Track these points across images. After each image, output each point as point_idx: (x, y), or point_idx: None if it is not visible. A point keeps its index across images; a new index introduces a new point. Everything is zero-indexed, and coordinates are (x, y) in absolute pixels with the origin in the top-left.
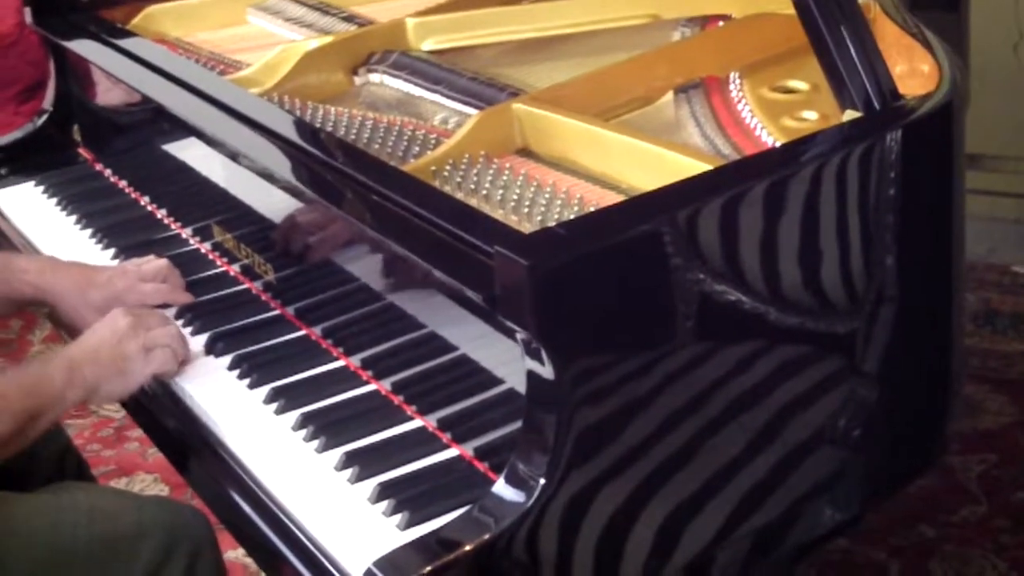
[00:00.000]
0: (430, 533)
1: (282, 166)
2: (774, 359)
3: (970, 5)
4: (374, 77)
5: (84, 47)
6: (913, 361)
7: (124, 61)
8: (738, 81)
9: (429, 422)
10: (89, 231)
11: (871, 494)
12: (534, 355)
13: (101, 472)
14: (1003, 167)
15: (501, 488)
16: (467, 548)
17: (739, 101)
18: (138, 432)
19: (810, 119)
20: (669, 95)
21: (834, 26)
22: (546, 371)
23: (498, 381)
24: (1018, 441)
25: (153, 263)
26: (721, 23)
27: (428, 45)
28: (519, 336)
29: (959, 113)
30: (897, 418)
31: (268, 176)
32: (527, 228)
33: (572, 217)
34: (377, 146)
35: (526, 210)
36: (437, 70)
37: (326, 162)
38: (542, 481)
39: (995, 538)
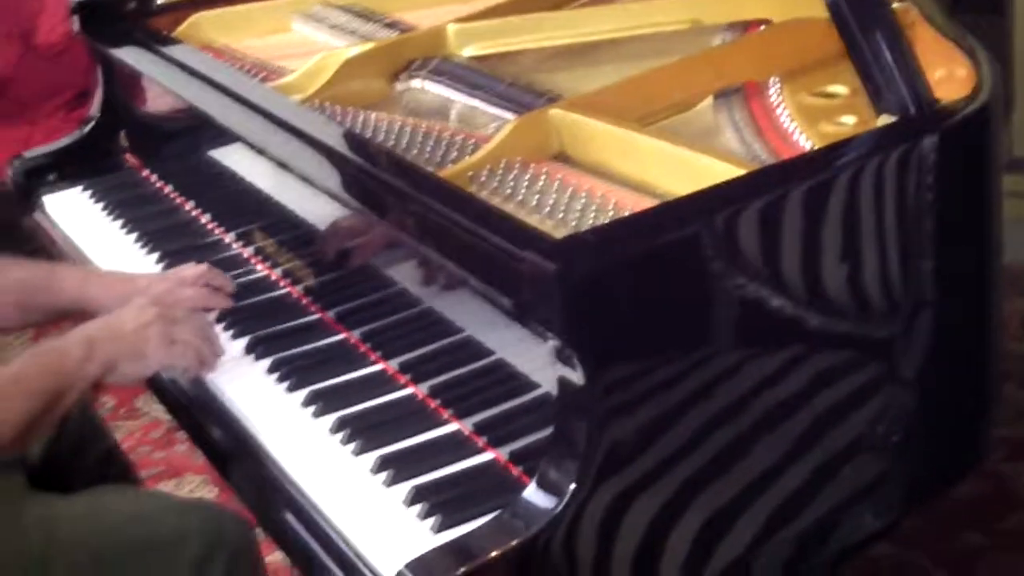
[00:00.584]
0: (462, 537)
1: (320, 172)
2: (809, 366)
3: (1015, 9)
4: (415, 83)
5: (130, 55)
6: (951, 367)
7: (169, 68)
8: (778, 86)
9: (465, 426)
10: (134, 236)
11: (910, 500)
12: (566, 361)
13: (151, 473)
14: None
15: (532, 493)
16: (497, 552)
17: (778, 106)
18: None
19: (848, 124)
20: (709, 100)
21: (869, 31)
22: (577, 377)
23: (534, 386)
24: None
25: (193, 268)
26: (761, 28)
27: (469, 51)
28: (550, 342)
29: (995, 118)
30: (936, 424)
31: (308, 181)
32: (561, 233)
33: (605, 222)
34: (416, 151)
35: (561, 215)
36: (477, 76)
37: (362, 167)
38: (572, 487)
39: None
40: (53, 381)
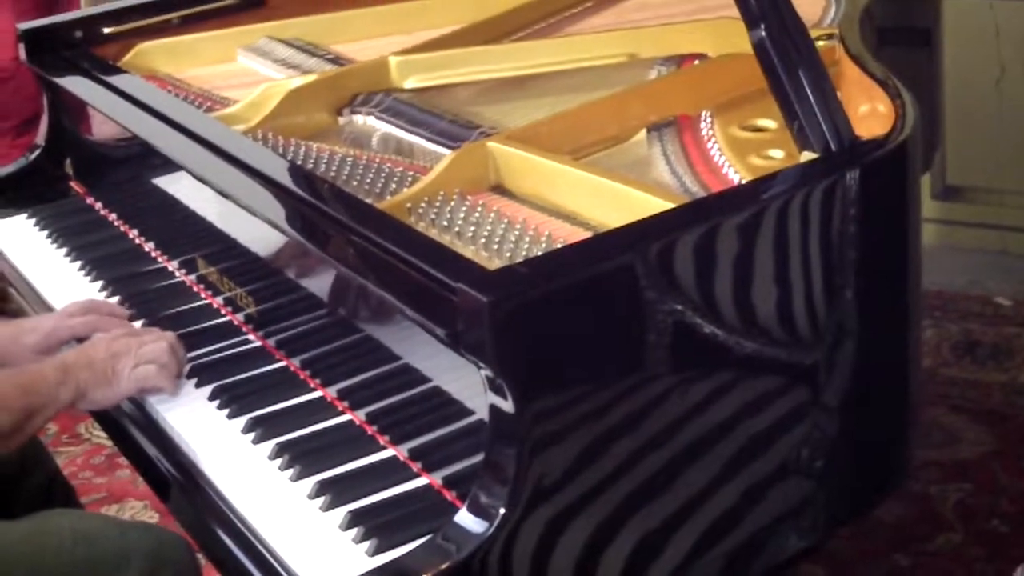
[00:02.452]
0: (396, 559)
1: (260, 201)
2: (737, 393)
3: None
4: (357, 118)
5: (75, 84)
6: (873, 392)
7: (113, 97)
8: (709, 119)
9: (400, 451)
10: (79, 263)
11: (833, 521)
12: (497, 390)
13: (92, 499)
14: (986, 199)
15: (463, 517)
16: (429, 574)
17: (709, 139)
18: None
19: (777, 157)
20: (642, 133)
21: (793, 71)
22: (507, 406)
23: (468, 412)
24: (994, 471)
25: (75, 302)
26: (696, 62)
27: (411, 83)
28: (482, 372)
29: (915, 153)
30: (858, 448)
31: (248, 210)
32: (496, 264)
33: (539, 253)
34: (356, 183)
35: (496, 247)
36: (419, 112)
37: (301, 197)
38: (502, 511)
39: (970, 567)
40: (27, 400)
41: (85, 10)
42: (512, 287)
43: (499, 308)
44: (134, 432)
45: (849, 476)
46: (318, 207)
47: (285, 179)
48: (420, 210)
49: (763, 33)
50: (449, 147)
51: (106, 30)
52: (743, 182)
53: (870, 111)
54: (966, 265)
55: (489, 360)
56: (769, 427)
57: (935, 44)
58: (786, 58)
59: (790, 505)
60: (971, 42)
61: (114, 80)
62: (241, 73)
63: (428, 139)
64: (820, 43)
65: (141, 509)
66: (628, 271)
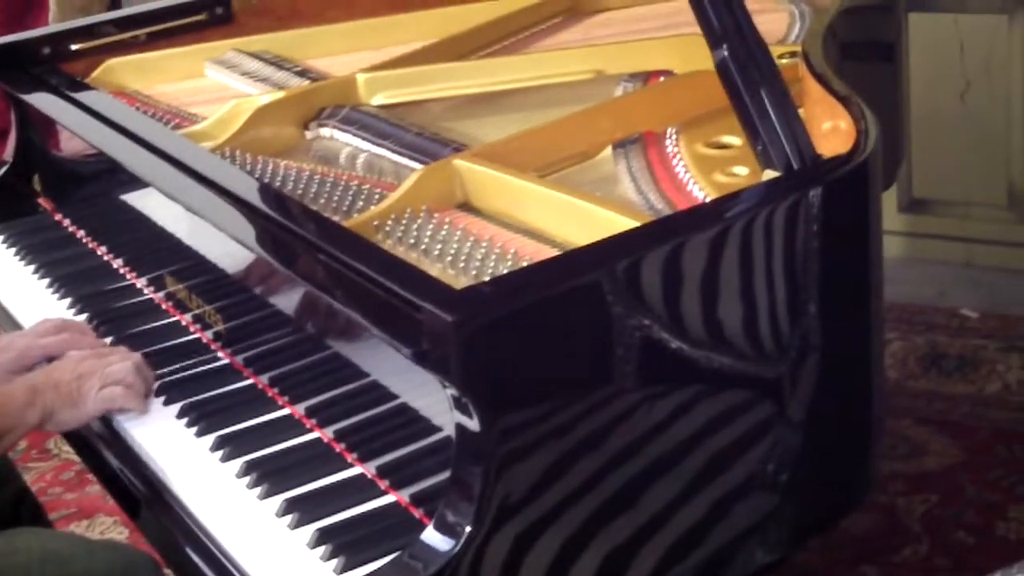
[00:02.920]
0: None
1: (227, 220)
2: (703, 409)
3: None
4: (324, 131)
5: (43, 101)
6: (836, 406)
7: (81, 115)
8: (674, 136)
9: (368, 469)
10: (47, 281)
11: (798, 534)
12: (462, 409)
13: (62, 515)
14: (952, 212)
15: (429, 535)
16: None
17: (674, 156)
18: None
19: (741, 175)
20: (608, 150)
21: (755, 90)
22: (473, 424)
23: (436, 429)
24: (960, 482)
25: (47, 321)
26: (662, 79)
27: (378, 100)
28: (448, 390)
29: (875, 171)
30: (822, 462)
31: (216, 228)
32: (462, 282)
33: (505, 271)
34: (323, 200)
35: (462, 264)
36: (385, 125)
37: (268, 215)
38: (468, 529)
39: None
40: None
41: (53, 26)
42: (477, 306)
43: (464, 327)
44: (103, 450)
45: (814, 490)
46: (285, 225)
47: (252, 197)
48: (387, 228)
49: (725, 53)
50: (416, 161)
51: (74, 46)
52: (707, 199)
53: (833, 128)
54: (932, 277)
55: (454, 379)
56: (734, 442)
57: (898, 59)
58: (748, 78)
59: (756, 519)
60: (936, 56)
61: (81, 97)
62: (209, 89)
63: (395, 152)
64: (784, 61)
65: (111, 525)
66: (592, 290)
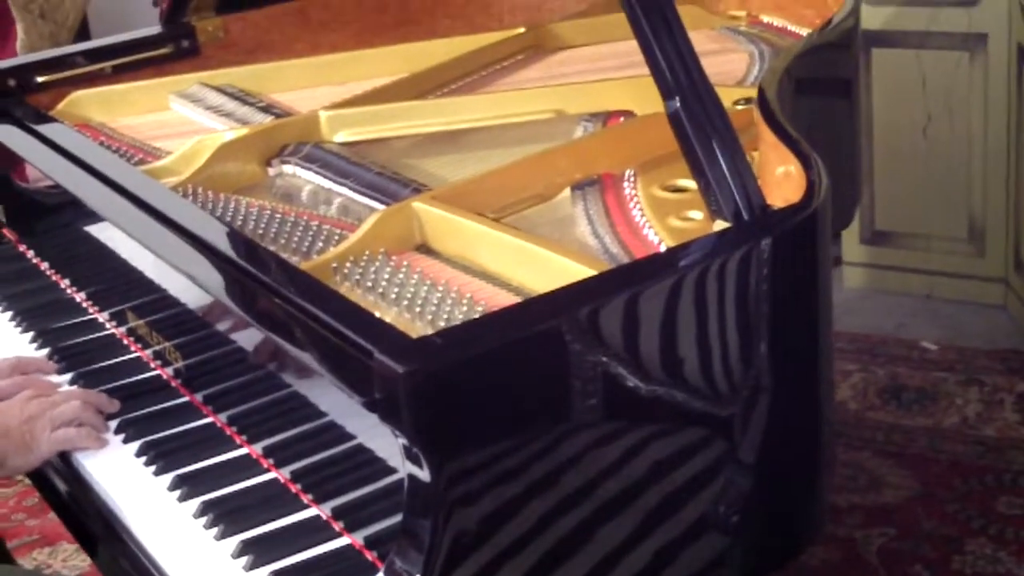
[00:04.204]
0: None
1: (184, 259)
2: (654, 453)
3: (871, 90)
4: (287, 168)
5: (5, 133)
6: (785, 448)
7: (43, 149)
8: (632, 178)
9: (323, 510)
10: (10, 314)
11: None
12: (413, 460)
13: (24, 542)
14: (913, 244)
15: None
16: None
17: (631, 199)
18: None
19: (696, 219)
20: (567, 191)
21: (706, 142)
22: (424, 475)
23: (391, 471)
24: (918, 515)
25: (2, 360)
26: (623, 119)
27: (341, 137)
28: (399, 441)
29: (824, 221)
30: (772, 503)
31: (174, 268)
32: (417, 327)
33: (461, 316)
34: (283, 241)
35: (418, 309)
36: (346, 163)
37: (224, 256)
38: None
39: None
40: None
41: (19, 58)
42: (428, 358)
43: (414, 378)
44: (61, 487)
45: (764, 531)
46: (241, 267)
47: (210, 237)
48: (345, 270)
49: (677, 104)
50: (377, 200)
51: (40, 78)
52: (662, 248)
53: (785, 174)
54: (893, 309)
55: (405, 429)
56: (685, 484)
57: (855, 95)
58: (700, 129)
59: (707, 561)
60: (899, 91)
61: (44, 130)
62: (174, 122)
63: (356, 191)
64: (739, 108)
65: (74, 552)
66: (546, 340)
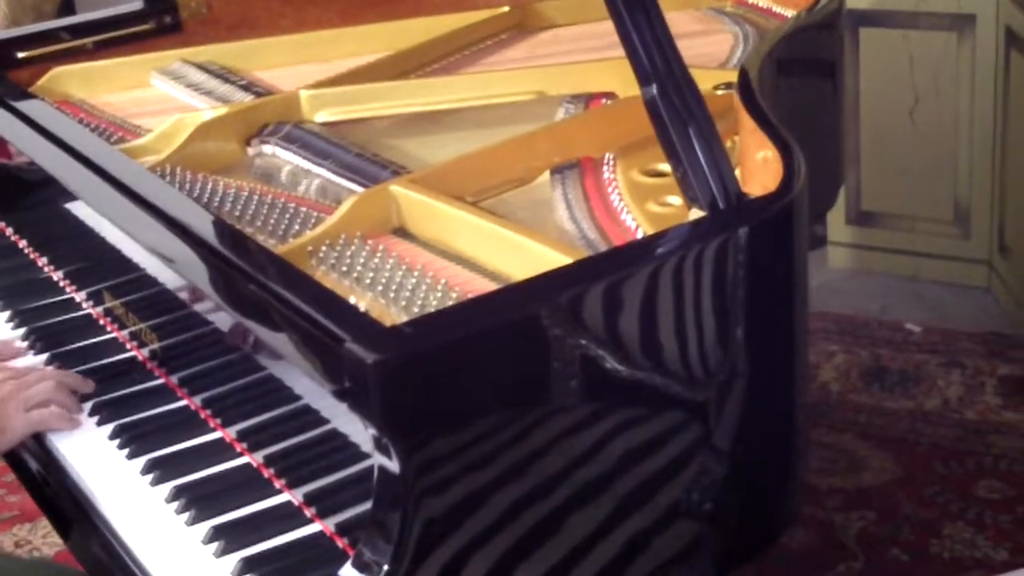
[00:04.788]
0: None
1: (158, 241)
2: (626, 438)
3: (858, 70)
4: (266, 148)
5: None
6: (760, 435)
7: (21, 126)
8: (612, 162)
9: (295, 496)
10: None
11: (725, 563)
12: (383, 450)
13: (4, 518)
14: (898, 225)
15: (347, 572)
16: None
17: (610, 184)
18: None
19: (674, 204)
20: (546, 175)
21: (682, 130)
22: (393, 466)
23: (364, 456)
24: (897, 499)
25: None
26: (605, 101)
27: (322, 117)
28: (368, 431)
29: (801, 209)
30: (746, 490)
31: (150, 250)
32: (392, 312)
33: (435, 302)
34: (260, 223)
35: (392, 294)
36: (326, 144)
37: (200, 240)
38: (385, 567)
39: None
40: None
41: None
42: (397, 348)
43: (383, 368)
44: (33, 467)
45: (737, 520)
46: (215, 250)
47: (185, 218)
48: (321, 254)
49: (654, 91)
50: (355, 183)
51: (20, 54)
52: (639, 234)
53: (763, 160)
54: (878, 290)
55: (374, 419)
56: (660, 471)
57: (839, 76)
58: (677, 117)
59: (681, 548)
60: (886, 72)
61: (23, 107)
62: (155, 100)
63: (334, 172)
64: (719, 93)
65: (52, 530)
66: (517, 331)
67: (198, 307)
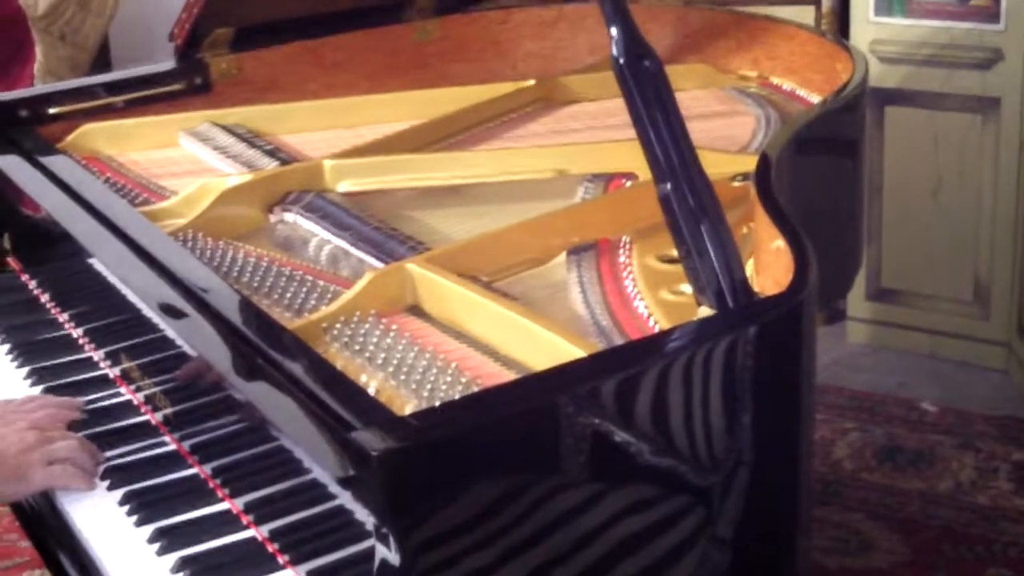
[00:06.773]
0: None
1: (174, 312)
2: (628, 533)
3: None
4: (288, 216)
5: (11, 163)
6: (761, 528)
7: (46, 183)
8: (628, 246)
9: (299, 572)
10: (7, 347)
11: None
12: (382, 540)
13: (16, 563)
14: (918, 303)
15: None
16: None
17: (624, 268)
18: None
19: (686, 293)
20: (562, 256)
21: (695, 229)
22: (393, 557)
23: (368, 535)
24: None
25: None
26: (625, 181)
27: (344, 187)
28: (370, 521)
29: (811, 308)
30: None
31: (164, 317)
32: (402, 395)
33: (445, 386)
34: (276, 296)
35: (404, 376)
36: (346, 215)
37: (216, 314)
38: None
39: None
40: None
41: (31, 89)
42: (403, 440)
43: (388, 461)
44: (43, 527)
45: None
46: (230, 323)
47: (199, 287)
48: (335, 331)
49: (669, 189)
50: (373, 256)
51: (51, 110)
52: (650, 322)
53: (778, 250)
54: (895, 367)
55: (376, 510)
56: (662, 556)
57: (860, 155)
58: (689, 215)
59: None
60: (911, 150)
61: (50, 163)
62: (182, 160)
63: (353, 245)
64: (736, 184)
65: None
66: (526, 426)
67: (208, 375)
